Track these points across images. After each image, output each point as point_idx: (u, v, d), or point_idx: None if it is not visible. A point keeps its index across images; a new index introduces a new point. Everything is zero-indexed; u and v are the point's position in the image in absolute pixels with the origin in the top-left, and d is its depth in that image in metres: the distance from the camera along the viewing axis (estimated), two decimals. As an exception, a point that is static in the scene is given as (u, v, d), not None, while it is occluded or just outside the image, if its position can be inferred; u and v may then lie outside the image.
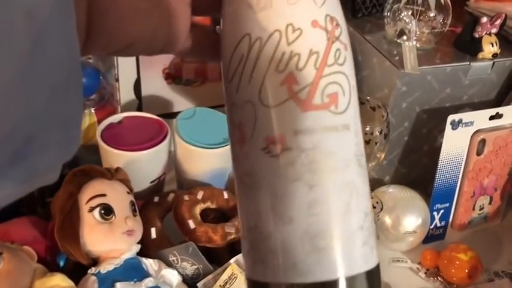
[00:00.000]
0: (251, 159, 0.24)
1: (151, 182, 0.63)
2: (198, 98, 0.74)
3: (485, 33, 0.67)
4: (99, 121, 0.65)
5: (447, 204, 0.69)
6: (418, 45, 0.67)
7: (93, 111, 0.68)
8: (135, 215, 0.53)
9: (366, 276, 0.23)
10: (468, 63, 0.67)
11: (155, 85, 0.70)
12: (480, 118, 0.66)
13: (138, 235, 0.53)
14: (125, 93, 0.68)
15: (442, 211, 0.69)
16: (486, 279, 0.64)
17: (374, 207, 0.65)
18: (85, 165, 0.53)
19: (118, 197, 0.52)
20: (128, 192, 0.54)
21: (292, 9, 0.23)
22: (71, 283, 0.48)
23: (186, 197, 0.57)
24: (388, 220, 0.64)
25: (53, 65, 0.17)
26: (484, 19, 0.67)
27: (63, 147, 0.19)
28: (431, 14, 0.67)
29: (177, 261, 0.53)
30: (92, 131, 0.67)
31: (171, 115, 0.71)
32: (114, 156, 0.59)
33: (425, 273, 0.64)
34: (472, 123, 0.65)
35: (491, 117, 0.66)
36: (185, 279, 0.54)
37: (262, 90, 0.23)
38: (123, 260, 0.50)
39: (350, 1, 0.74)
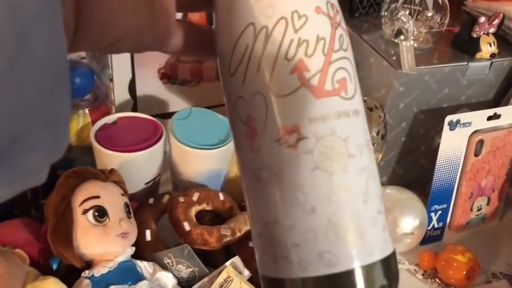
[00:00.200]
0: (266, 153, 0.23)
1: (146, 184, 0.62)
2: (194, 98, 0.73)
3: (483, 33, 0.67)
4: (93, 122, 0.65)
5: (445, 205, 0.69)
6: (415, 45, 0.66)
7: (87, 111, 0.68)
8: (129, 217, 0.52)
9: (391, 258, 0.24)
10: (466, 63, 0.66)
11: (150, 85, 0.70)
12: (478, 118, 0.65)
13: (133, 237, 0.52)
14: (120, 93, 0.68)
15: (439, 212, 0.68)
16: (484, 280, 0.64)
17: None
18: (78, 167, 0.52)
19: (112, 199, 0.51)
20: (122, 194, 0.53)
21: None
22: (64, 287, 0.48)
23: (182, 199, 0.57)
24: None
25: (38, 62, 0.16)
26: (482, 19, 0.67)
27: (50, 147, 0.18)
28: (429, 14, 0.67)
29: (172, 264, 0.53)
30: (86, 131, 0.67)
31: (166, 115, 0.70)
32: (108, 158, 0.58)
33: (423, 274, 0.64)
34: (470, 123, 0.65)
35: (489, 118, 0.66)
36: (180, 282, 0.54)
37: (272, 80, 0.23)
38: (118, 263, 0.50)
39: (347, 1, 0.74)
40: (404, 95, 0.65)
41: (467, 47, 0.68)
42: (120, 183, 0.54)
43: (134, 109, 0.69)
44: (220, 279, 0.52)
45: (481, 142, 0.67)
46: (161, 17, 0.23)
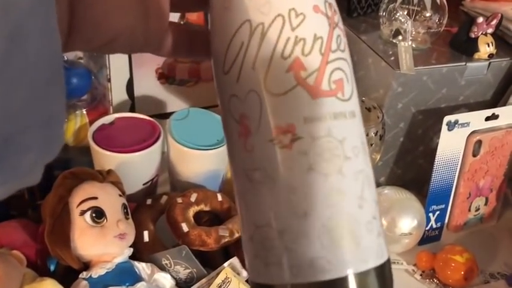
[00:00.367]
0: (259, 153, 0.22)
1: (143, 184, 0.62)
2: (192, 99, 0.73)
3: (481, 34, 0.67)
4: (91, 122, 0.65)
5: (443, 206, 0.69)
6: (413, 45, 0.66)
7: (84, 112, 0.67)
8: (127, 218, 0.52)
9: (386, 266, 0.23)
10: (464, 63, 0.66)
11: (148, 85, 0.69)
12: (476, 119, 0.65)
13: (131, 238, 0.52)
14: (117, 93, 0.67)
15: (437, 212, 0.68)
16: (482, 281, 0.64)
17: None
18: (76, 168, 0.52)
19: (110, 199, 0.51)
20: (120, 195, 0.53)
21: None
22: (61, 288, 0.48)
23: (179, 200, 0.56)
24: (383, 222, 0.64)
25: (32, 62, 0.16)
26: (480, 19, 0.67)
27: (45, 147, 0.18)
28: (427, 14, 0.67)
29: (170, 265, 0.53)
30: (83, 132, 0.66)
31: (164, 116, 0.70)
32: (106, 158, 0.58)
33: (421, 275, 0.64)
34: (468, 124, 0.65)
35: (487, 118, 0.66)
36: (178, 283, 0.53)
37: (267, 78, 0.22)
38: (115, 264, 0.50)
39: (345, 1, 0.74)
40: (403, 95, 0.65)
41: (465, 47, 0.68)
42: (117, 184, 0.54)
43: (132, 109, 0.69)
44: (218, 280, 0.51)
45: (479, 142, 0.67)
46: (155, 17, 0.23)
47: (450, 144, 0.65)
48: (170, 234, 0.55)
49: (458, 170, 0.67)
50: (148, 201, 0.58)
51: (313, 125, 0.22)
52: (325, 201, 0.22)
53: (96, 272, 0.49)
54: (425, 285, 0.63)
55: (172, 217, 0.55)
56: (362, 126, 0.24)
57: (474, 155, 0.67)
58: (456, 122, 0.64)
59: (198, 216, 0.57)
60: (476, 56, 0.67)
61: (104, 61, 0.65)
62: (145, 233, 0.55)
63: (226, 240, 0.54)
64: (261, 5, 0.22)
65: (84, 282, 0.48)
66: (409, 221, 0.63)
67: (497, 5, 0.75)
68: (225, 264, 0.53)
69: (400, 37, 0.67)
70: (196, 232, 0.54)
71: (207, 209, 0.58)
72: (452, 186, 0.68)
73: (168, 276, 0.52)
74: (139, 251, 0.54)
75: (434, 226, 0.69)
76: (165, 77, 0.70)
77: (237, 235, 0.54)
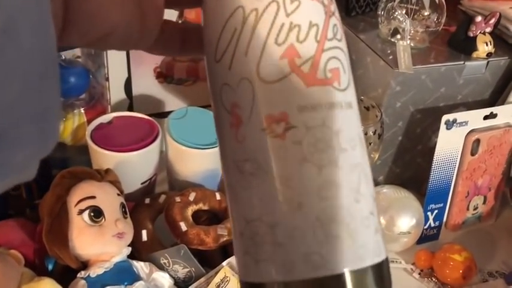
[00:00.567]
0: (251, 143, 0.22)
1: (142, 184, 0.62)
2: (190, 98, 0.73)
3: (480, 32, 0.67)
4: (89, 121, 0.64)
5: (441, 205, 0.69)
6: (412, 44, 0.66)
7: (82, 111, 0.67)
8: (125, 217, 0.52)
9: (384, 265, 0.22)
10: (462, 62, 0.66)
11: (146, 84, 0.69)
12: (474, 118, 0.65)
13: (129, 238, 0.52)
14: (115, 92, 0.67)
15: (436, 211, 0.68)
16: (480, 279, 0.64)
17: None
18: (74, 167, 0.52)
19: (108, 199, 0.51)
20: (118, 194, 0.53)
21: None
22: None
23: (178, 199, 0.56)
24: (381, 220, 0.63)
25: (25, 55, 0.16)
26: (479, 18, 0.67)
27: (39, 142, 0.18)
28: (426, 13, 0.67)
29: (169, 264, 0.52)
30: (81, 131, 0.66)
31: (162, 115, 0.70)
32: (104, 157, 0.58)
33: (420, 274, 0.64)
34: (466, 123, 0.65)
35: (486, 117, 0.66)
36: (177, 282, 0.53)
37: (260, 65, 0.21)
38: (114, 263, 0.50)
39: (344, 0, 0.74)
40: (401, 94, 0.65)
41: (463, 46, 0.68)
42: (116, 183, 0.54)
43: (130, 108, 0.69)
44: (217, 279, 0.51)
45: (477, 141, 0.67)
46: (150, 13, 0.23)
47: (448, 143, 0.65)
48: (169, 233, 0.55)
49: (456, 168, 0.67)
50: (147, 201, 0.58)
51: (307, 114, 0.21)
52: (319, 193, 0.21)
53: (95, 272, 0.49)
54: (424, 284, 0.63)
55: (171, 216, 0.55)
56: (359, 119, 0.23)
57: (472, 154, 0.67)
58: (454, 120, 0.64)
59: (196, 215, 0.57)
60: (474, 54, 0.67)
61: (102, 60, 0.65)
62: (144, 232, 0.55)
63: (225, 239, 0.54)
64: None
65: (82, 282, 0.48)
66: (407, 220, 0.63)
67: (495, 4, 0.75)
68: (224, 263, 0.53)
69: (398, 36, 0.67)
70: (194, 231, 0.54)
71: (205, 208, 0.58)
72: (450, 185, 0.68)
73: (166, 275, 0.52)
74: (138, 250, 0.54)
75: (432, 225, 0.69)
76: (164, 76, 0.70)
77: (235, 234, 0.54)
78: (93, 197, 0.50)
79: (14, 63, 0.15)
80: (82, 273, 0.49)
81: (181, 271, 0.53)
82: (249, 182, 0.22)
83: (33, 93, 0.17)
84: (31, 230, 0.53)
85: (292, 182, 0.21)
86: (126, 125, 0.62)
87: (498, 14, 0.68)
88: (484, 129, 0.67)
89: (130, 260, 0.51)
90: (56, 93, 0.18)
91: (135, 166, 0.60)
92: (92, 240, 0.49)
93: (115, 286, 0.48)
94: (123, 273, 0.50)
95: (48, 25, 0.17)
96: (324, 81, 0.22)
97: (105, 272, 0.49)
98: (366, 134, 0.59)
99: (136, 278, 0.50)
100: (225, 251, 0.56)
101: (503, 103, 0.71)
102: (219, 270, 0.52)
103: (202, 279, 0.52)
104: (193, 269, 0.52)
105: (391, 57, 0.65)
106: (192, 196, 0.57)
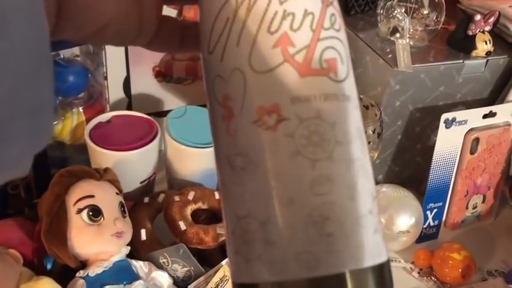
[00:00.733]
0: (242, 136, 0.21)
1: (141, 183, 0.62)
2: (189, 97, 0.73)
3: (479, 31, 0.67)
4: (88, 120, 0.64)
5: (440, 204, 0.69)
6: (411, 43, 0.66)
7: (81, 110, 0.67)
8: (124, 217, 0.52)
9: (384, 268, 0.21)
10: (462, 61, 0.66)
11: (145, 83, 0.69)
12: (474, 116, 0.65)
13: (128, 237, 0.52)
14: (114, 91, 0.67)
15: (435, 210, 0.68)
16: (480, 278, 0.64)
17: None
18: (72, 166, 0.52)
19: (107, 198, 0.51)
20: (117, 193, 0.53)
21: None
22: (58, 287, 0.47)
23: (177, 198, 0.56)
24: (381, 220, 0.63)
25: (17, 48, 0.15)
26: (478, 17, 0.67)
27: (32, 138, 0.17)
28: (425, 12, 0.67)
29: (168, 263, 0.52)
30: (80, 130, 0.66)
31: (161, 114, 0.70)
32: (102, 156, 0.58)
33: (419, 273, 0.64)
34: (465, 121, 0.65)
35: (485, 116, 0.66)
36: (176, 281, 0.53)
37: (252, 54, 0.20)
38: (113, 263, 0.50)
39: (343, -2, 0.74)
40: (400, 93, 0.65)
41: (462, 45, 0.68)
42: (114, 182, 0.54)
43: (129, 107, 0.69)
44: (216, 278, 0.51)
45: (476, 140, 0.67)
46: (147, 8, 0.23)
47: (448, 142, 0.65)
48: (168, 232, 0.55)
49: (455, 167, 0.67)
50: (146, 200, 0.58)
51: (300, 106, 0.20)
52: (312, 188, 0.20)
53: (93, 271, 0.49)
54: (423, 283, 0.63)
55: (170, 215, 0.55)
56: (359, 113, 0.22)
57: (472, 153, 0.67)
58: (454, 119, 0.64)
59: (195, 214, 0.57)
60: (473, 53, 0.67)
61: (101, 59, 0.65)
62: (143, 232, 0.55)
63: (224, 238, 0.54)
64: None
65: (81, 281, 0.48)
66: (406, 219, 0.63)
67: (494, 3, 0.75)
68: (223, 263, 0.53)
69: (397, 35, 0.67)
70: (193, 230, 0.54)
71: (204, 207, 0.58)
72: (449, 184, 0.68)
73: (165, 274, 0.52)
74: (137, 250, 0.54)
75: (431, 224, 0.69)
76: (162, 75, 0.70)
77: (234, 233, 0.54)
78: (92, 196, 0.50)
79: (5, 57, 0.15)
80: (81, 273, 0.49)
81: (181, 270, 0.53)
82: (240, 177, 0.21)
83: (25, 87, 0.16)
84: (30, 229, 0.53)
85: (284, 176, 0.20)
86: (125, 124, 0.62)
87: (497, 12, 0.68)
88: (483, 128, 0.67)
89: (129, 259, 0.51)
90: (49, 88, 0.17)
91: (134, 165, 0.60)
92: (91, 239, 0.49)
93: (114, 285, 0.48)
94: (122, 272, 0.50)
95: (41, 17, 0.16)
96: (319, 72, 0.21)
97: (104, 271, 0.49)
98: (365, 132, 0.59)
99: (136, 277, 0.50)
100: (224, 250, 0.56)
101: (502, 102, 0.71)
102: (218, 269, 0.52)
103: (201, 279, 0.52)
104: (192, 268, 0.52)
105: (390, 56, 0.65)
106: (191, 195, 0.57)
